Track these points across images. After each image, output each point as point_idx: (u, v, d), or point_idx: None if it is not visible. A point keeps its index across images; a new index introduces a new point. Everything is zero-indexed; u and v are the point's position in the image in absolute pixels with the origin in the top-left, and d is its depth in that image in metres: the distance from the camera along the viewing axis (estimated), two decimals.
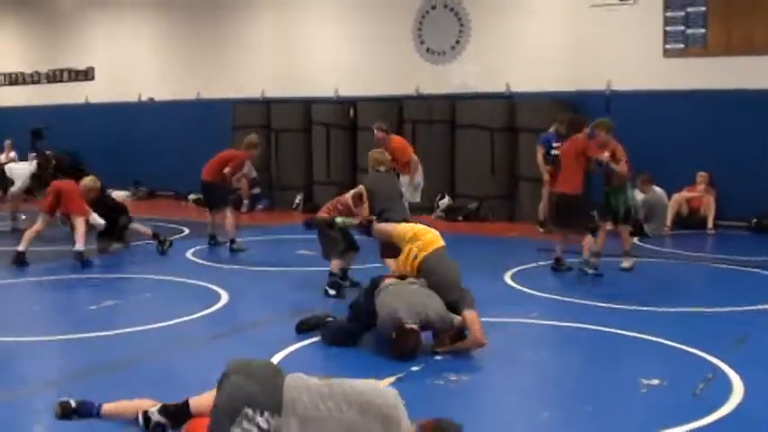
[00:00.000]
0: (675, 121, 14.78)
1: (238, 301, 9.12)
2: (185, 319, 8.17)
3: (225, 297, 9.13)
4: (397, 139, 12.62)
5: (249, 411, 4.16)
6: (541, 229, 14.48)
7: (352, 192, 9.52)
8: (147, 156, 20.56)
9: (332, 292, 9.09)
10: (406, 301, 6.73)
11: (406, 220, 8.60)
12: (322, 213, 9.45)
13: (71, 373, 6.51)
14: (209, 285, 9.73)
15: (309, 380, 4.32)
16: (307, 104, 18.12)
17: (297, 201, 18.17)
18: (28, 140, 21.24)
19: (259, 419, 4.15)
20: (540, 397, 6.15)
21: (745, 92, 14.25)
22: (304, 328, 7.42)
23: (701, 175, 14.47)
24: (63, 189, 11.38)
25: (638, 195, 13.60)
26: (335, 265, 9.27)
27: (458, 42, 17.13)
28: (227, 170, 12.31)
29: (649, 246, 12.81)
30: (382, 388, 4.39)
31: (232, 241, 12.38)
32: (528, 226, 14.84)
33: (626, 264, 10.74)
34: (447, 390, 6.02)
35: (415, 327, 6.62)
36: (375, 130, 12.36)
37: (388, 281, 7.05)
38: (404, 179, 11.88)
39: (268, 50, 19.37)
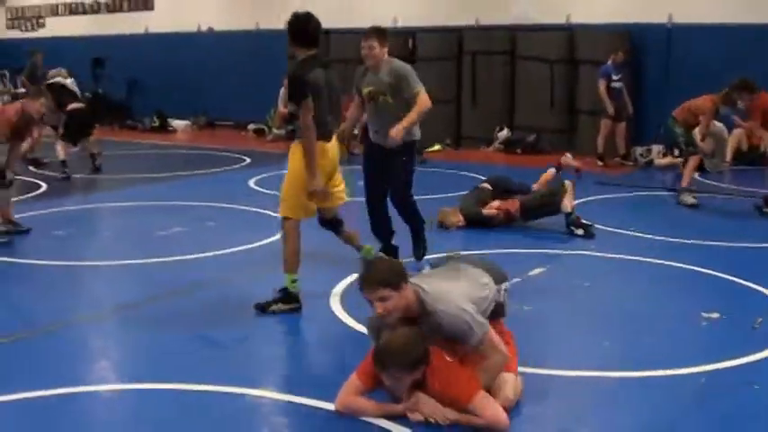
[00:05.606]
0: (739, 57, 14.43)
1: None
2: (250, 246, 8.43)
3: None
4: None
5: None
6: (600, 163, 14.44)
7: None
8: (206, 86, 20.67)
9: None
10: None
11: None
12: None
13: (143, 298, 6.75)
14: (273, 213, 9.88)
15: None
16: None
17: None
18: (88, 69, 21.62)
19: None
20: (601, 327, 6.19)
21: None
22: None
23: None
24: None
25: None
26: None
27: None
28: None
29: (709, 181, 12.71)
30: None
31: None
32: (586, 159, 14.72)
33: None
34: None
35: None
36: None
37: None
38: None
39: None
